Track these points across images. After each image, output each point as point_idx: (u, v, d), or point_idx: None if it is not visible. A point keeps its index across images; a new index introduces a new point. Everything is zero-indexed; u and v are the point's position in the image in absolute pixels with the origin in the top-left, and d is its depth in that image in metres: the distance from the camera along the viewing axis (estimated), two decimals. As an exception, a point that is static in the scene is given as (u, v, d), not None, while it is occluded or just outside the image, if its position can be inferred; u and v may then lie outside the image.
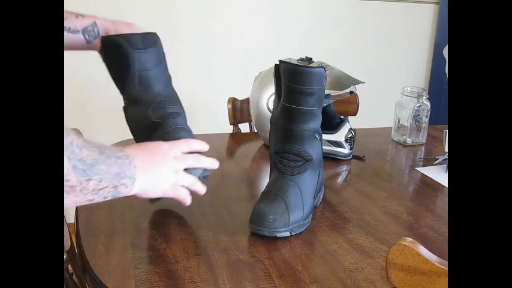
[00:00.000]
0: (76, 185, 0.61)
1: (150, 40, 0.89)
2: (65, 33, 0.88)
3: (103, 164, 0.64)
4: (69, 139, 0.59)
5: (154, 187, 0.77)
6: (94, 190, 0.64)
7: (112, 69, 0.91)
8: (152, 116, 0.87)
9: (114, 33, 0.90)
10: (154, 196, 0.79)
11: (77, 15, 0.89)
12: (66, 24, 0.88)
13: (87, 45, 0.91)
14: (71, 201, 0.62)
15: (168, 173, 0.78)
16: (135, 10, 2.15)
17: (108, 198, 0.68)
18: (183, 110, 0.90)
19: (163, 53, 0.91)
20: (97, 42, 0.91)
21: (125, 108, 0.91)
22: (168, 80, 0.91)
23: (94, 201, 0.66)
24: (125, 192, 0.70)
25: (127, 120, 0.92)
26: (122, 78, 0.89)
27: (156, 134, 0.86)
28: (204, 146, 0.85)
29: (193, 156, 0.83)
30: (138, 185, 0.72)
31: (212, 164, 0.86)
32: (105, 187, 0.66)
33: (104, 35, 0.90)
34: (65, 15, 0.88)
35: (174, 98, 0.91)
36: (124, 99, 0.91)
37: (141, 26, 0.91)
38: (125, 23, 0.91)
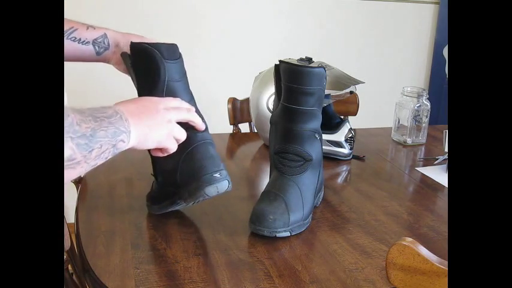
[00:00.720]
0: (81, 159, 0.62)
1: (176, 52, 0.88)
2: (76, 44, 0.89)
3: (100, 129, 0.65)
4: (69, 120, 0.60)
5: (149, 136, 0.75)
6: (96, 156, 0.65)
7: (140, 78, 0.89)
8: None
9: (124, 46, 0.90)
10: (151, 146, 0.77)
11: (88, 27, 0.90)
12: (76, 35, 0.89)
13: (98, 57, 0.92)
14: (78, 173, 0.63)
15: (161, 122, 0.77)
16: (135, 10, 2.15)
17: (109, 157, 0.68)
18: (207, 125, 0.90)
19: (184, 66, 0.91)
20: (107, 54, 0.92)
21: None
22: (191, 93, 0.91)
23: (97, 165, 0.66)
24: (123, 146, 0.70)
25: None
26: (149, 88, 0.87)
27: (184, 146, 0.84)
28: (192, 111, 0.84)
29: (185, 109, 0.83)
30: (133, 136, 0.71)
31: (201, 125, 0.85)
32: (106, 149, 0.66)
33: (115, 47, 0.91)
34: (76, 26, 0.89)
35: (199, 112, 0.90)
36: None
37: (147, 34, 0.92)
38: (136, 35, 0.92)
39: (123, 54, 0.90)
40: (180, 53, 0.89)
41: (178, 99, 0.83)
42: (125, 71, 0.94)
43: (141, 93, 0.90)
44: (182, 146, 0.84)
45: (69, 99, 1.82)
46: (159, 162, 0.90)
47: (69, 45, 0.88)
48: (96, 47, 0.90)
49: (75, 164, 0.61)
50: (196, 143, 0.86)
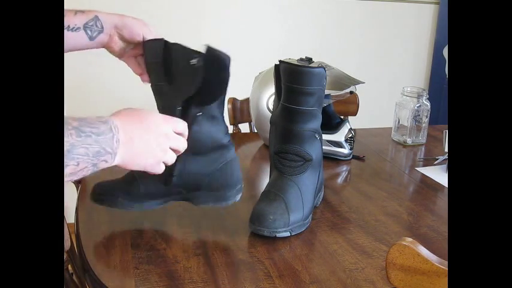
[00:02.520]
0: None
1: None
2: (65, 32, 0.82)
3: (81, 146, 0.60)
4: None
5: (136, 161, 0.71)
6: (72, 174, 0.61)
7: (207, 83, 0.82)
8: (225, 140, 0.88)
9: (122, 28, 0.84)
10: (135, 169, 0.73)
11: (76, 12, 0.83)
12: (64, 22, 0.82)
13: (91, 42, 0.85)
14: None
15: (154, 149, 0.72)
16: (134, 9, 2.15)
17: (87, 175, 0.64)
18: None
19: None
20: (102, 38, 0.85)
21: (195, 120, 0.85)
22: None
23: (73, 180, 0.63)
24: (104, 166, 0.66)
25: (195, 132, 0.85)
26: (213, 94, 0.84)
27: (221, 155, 0.88)
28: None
29: (184, 140, 0.78)
30: (119, 157, 0.67)
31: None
32: (84, 168, 0.62)
33: (111, 29, 0.84)
34: None
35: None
36: (197, 112, 0.84)
37: (148, 22, 0.89)
38: (133, 18, 0.86)
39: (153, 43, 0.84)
40: None
41: (185, 123, 0.79)
42: (120, 55, 0.88)
43: (197, 100, 0.83)
44: (219, 156, 0.88)
45: (69, 98, 1.82)
46: (192, 164, 0.87)
47: None
48: (89, 32, 0.83)
49: None
50: (232, 157, 0.90)
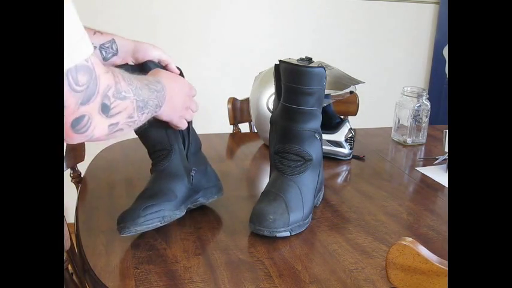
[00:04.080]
0: (137, 119, 0.71)
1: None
2: None
3: (150, 99, 0.74)
4: (134, 85, 0.69)
5: (168, 115, 0.85)
6: (143, 120, 0.74)
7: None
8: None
9: (136, 52, 0.92)
10: (164, 119, 0.86)
11: (95, 32, 0.90)
12: None
13: (105, 62, 0.91)
14: (127, 132, 0.71)
15: (182, 106, 0.88)
16: (137, 8, 2.15)
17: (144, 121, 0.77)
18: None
19: None
20: (115, 60, 0.92)
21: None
22: None
23: (137, 126, 0.74)
24: (153, 116, 0.79)
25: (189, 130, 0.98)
26: None
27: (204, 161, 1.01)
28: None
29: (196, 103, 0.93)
30: (161, 110, 0.81)
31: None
32: (148, 116, 0.75)
33: (125, 54, 0.92)
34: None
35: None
36: None
37: (162, 47, 0.94)
38: (146, 43, 0.93)
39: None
40: None
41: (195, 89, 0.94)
42: None
43: None
44: (202, 154, 1.00)
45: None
46: (202, 175, 0.98)
47: None
48: (103, 52, 0.90)
49: (132, 123, 0.70)
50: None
